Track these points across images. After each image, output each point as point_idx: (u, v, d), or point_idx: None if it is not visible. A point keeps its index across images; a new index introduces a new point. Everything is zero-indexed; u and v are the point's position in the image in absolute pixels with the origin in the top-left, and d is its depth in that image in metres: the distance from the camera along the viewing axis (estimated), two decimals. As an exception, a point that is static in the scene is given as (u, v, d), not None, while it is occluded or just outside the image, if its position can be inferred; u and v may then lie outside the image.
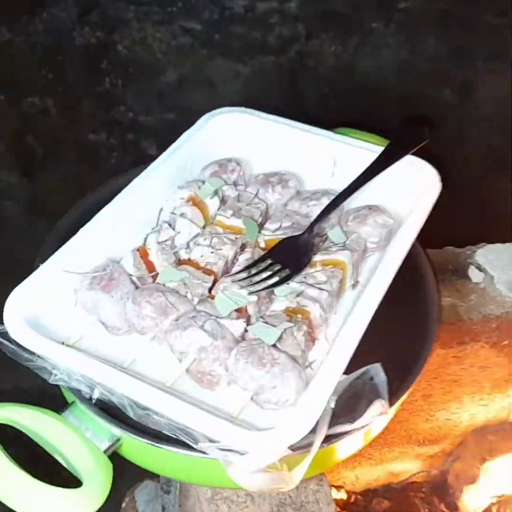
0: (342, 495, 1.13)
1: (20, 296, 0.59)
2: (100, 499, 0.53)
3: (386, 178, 0.73)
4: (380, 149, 0.75)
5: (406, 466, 1.12)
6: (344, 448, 0.60)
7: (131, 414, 0.52)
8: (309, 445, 0.52)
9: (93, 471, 0.54)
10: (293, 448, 0.51)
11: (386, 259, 0.64)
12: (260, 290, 0.63)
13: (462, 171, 1.04)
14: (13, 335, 0.56)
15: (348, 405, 0.58)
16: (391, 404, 0.58)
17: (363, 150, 0.76)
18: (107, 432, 0.58)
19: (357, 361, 0.58)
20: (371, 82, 1.02)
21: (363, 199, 0.74)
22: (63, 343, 0.60)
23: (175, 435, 0.51)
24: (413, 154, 0.74)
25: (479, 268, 0.86)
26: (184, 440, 0.50)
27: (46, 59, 0.97)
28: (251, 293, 0.62)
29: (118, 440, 0.58)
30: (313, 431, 0.53)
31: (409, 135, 0.76)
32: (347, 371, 0.58)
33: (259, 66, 1.00)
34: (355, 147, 0.76)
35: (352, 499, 1.15)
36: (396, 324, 0.65)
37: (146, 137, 1.06)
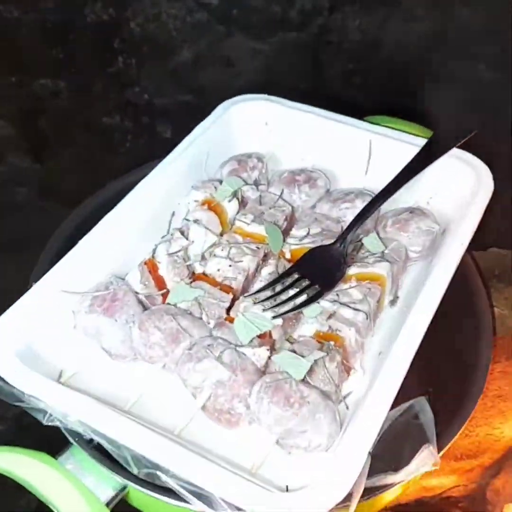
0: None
1: (9, 324, 0.51)
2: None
3: (430, 176, 0.64)
4: (422, 141, 0.66)
5: (440, 480, 1.03)
6: (384, 499, 0.52)
7: (134, 470, 0.44)
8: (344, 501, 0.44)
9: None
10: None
11: (434, 273, 0.55)
12: (286, 312, 0.54)
13: (503, 161, 0.94)
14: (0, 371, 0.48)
15: (389, 449, 0.49)
16: (440, 448, 0.50)
17: (403, 143, 0.66)
18: (110, 479, 0.50)
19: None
20: (399, 58, 0.92)
21: (403, 200, 0.65)
22: (60, 373, 0.53)
23: (187, 497, 0.43)
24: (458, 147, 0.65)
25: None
26: (199, 505, 0.42)
27: (57, 38, 0.92)
28: (276, 316, 0.53)
29: (124, 488, 0.50)
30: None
31: (453, 124, 0.67)
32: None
33: (279, 43, 0.93)
34: (394, 139, 0.67)
35: (383, 513, 1.07)
36: (441, 347, 0.57)
37: (161, 119, 0.99)
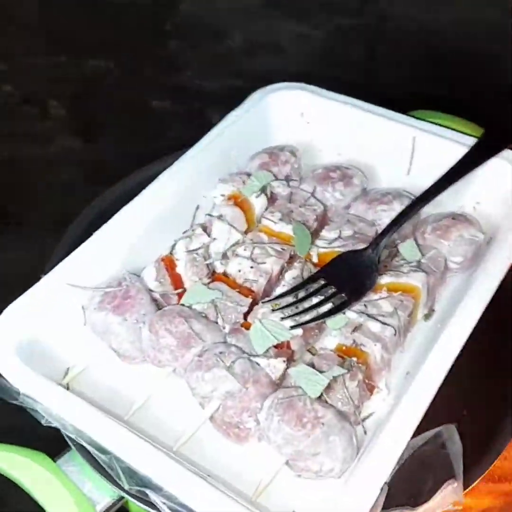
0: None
1: (13, 318, 0.49)
2: None
3: (478, 179, 0.59)
4: (471, 140, 0.60)
5: (476, 501, 0.97)
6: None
7: (125, 485, 0.41)
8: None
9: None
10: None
11: (476, 286, 0.50)
12: (308, 322, 0.50)
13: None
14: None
15: (409, 480, 0.45)
16: (466, 484, 0.45)
17: (450, 141, 0.61)
18: (109, 487, 0.47)
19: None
20: (459, 48, 0.86)
21: (447, 204, 0.59)
22: (67, 371, 0.50)
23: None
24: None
25: None
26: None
27: (109, 19, 0.92)
28: (295, 326, 0.49)
29: (122, 498, 0.48)
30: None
31: (508, 123, 0.61)
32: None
33: (333, 29, 0.88)
34: (440, 137, 0.61)
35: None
36: (478, 368, 0.52)
37: (212, 104, 0.96)
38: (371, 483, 0.41)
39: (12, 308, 0.49)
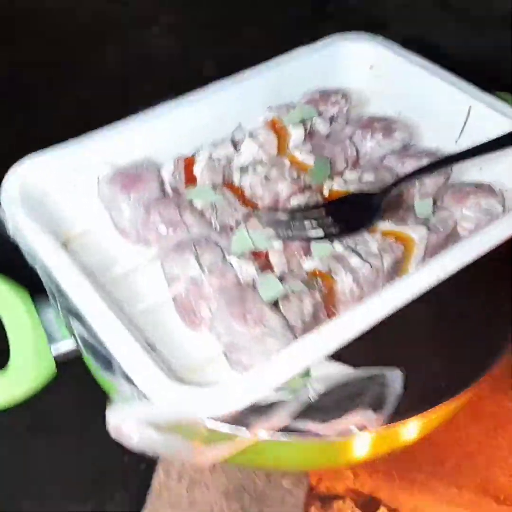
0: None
1: (31, 164, 0.54)
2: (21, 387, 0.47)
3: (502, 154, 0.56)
4: (524, 119, 0.58)
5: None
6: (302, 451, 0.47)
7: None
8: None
9: (27, 359, 0.48)
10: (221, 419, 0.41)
11: (458, 247, 0.48)
12: (288, 237, 0.51)
13: None
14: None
15: (332, 403, 0.45)
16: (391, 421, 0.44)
17: (507, 117, 0.58)
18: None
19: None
20: None
21: (478, 175, 0.57)
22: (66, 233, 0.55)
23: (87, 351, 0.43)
24: None
25: None
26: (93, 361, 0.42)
27: None
28: (277, 236, 0.50)
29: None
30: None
31: None
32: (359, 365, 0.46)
33: None
34: (497, 111, 0.59)
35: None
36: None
37: None
38: (282, 367, 0.41)
39: (34, 155, 0.54)
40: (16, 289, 0.52)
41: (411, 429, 0.50)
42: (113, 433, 0.36)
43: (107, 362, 0.42)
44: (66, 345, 0.51)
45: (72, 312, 0.46)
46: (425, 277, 0.46)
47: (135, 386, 0.39)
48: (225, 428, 0.42)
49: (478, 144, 0.56)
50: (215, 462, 0.39)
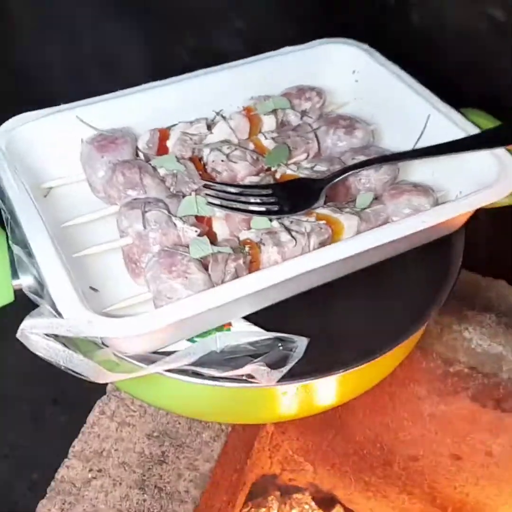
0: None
1: (20, 122, 0.62)
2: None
3: (464, 169, 0.61)
4: (475, 130, 0.62)
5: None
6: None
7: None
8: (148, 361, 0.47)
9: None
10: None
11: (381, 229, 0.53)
12: (232, 208, 0.57)
13: None
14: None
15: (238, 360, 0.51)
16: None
17: (459, 128, 0.63)
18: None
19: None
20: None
21: (435, 185, 0.62)
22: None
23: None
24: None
25: None
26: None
27: None
28: (210, 203, 0.56)
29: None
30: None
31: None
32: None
33: None
34: (452, 122, 0.63)
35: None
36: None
37: None
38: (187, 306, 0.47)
39: (25, 114, 0.62)
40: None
41: (314, 392, 0.55)
42: (19, 335, 0.43)
43: (41, 285, 0.49)
44: (26, 281, 0.58)
45: (27, 249, 0.53)
46: (334, 253, 0.51)
47: (56, 307, 0.46)
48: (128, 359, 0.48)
49: (424, 147, 0.61)
50: (110, 381, 0.45)
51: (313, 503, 0.97)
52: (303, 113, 0.68)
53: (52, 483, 0.55)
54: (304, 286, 0.55)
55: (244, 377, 0.49)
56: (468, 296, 0.68)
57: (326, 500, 0.99)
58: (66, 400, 0.68)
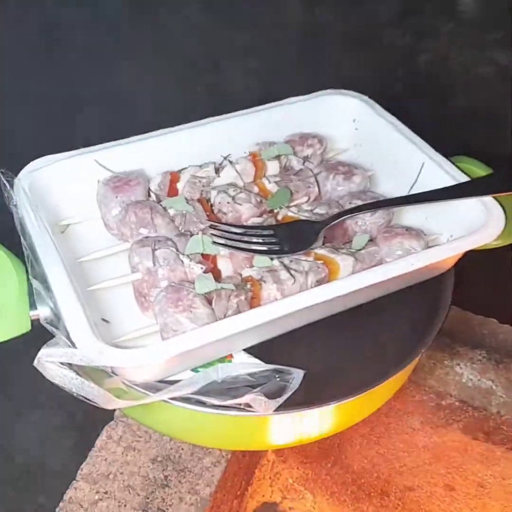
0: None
1: (47, 161, 0.67)
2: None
3: (454, 214, 0.65)
4: (465, 179, 0.66)
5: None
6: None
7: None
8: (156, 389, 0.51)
9: (7, 313, 0.58)
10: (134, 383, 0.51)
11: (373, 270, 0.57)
12: (235, 248, 0.61)
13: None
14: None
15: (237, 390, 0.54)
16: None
17: (450, 176, 0.67)
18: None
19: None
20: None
21: (428, 229, 0.67)
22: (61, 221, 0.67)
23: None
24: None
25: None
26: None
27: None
28: (216, 243, 0.61)
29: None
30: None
31: (507, 175, 0.65)
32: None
33: None
34: (444, 171, 0.68)
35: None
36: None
37: None
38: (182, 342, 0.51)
39: (46, 157, 0.67)
40: (14, 260, 0.63)
41: (310, 421, 0.59)
42: (36, 364, 0.47)
43: (58, 319, 0.53)
44: (43, 312, 0.62)
45: (45, 284, 0.57)
46: (330, 291, 0.55)
47: (70, 338, 0.50)
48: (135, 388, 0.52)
49: (416, 193, 0.65)
50: (118, 408, 0.49)
51: (312, 533, 0.99)
52: (305, 158, 0.73)
53: (61, 504, 0.58)
54: (301, 321, 0.59)
55: (243, 406, 0.52)
56: (460, 333, 0.72)
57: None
58: (74, 425, 0.71)
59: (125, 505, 0.57)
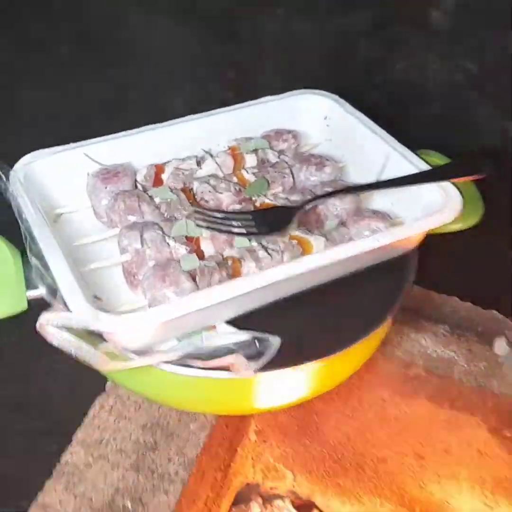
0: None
1: (40, 154, 0.72)
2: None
3: (416, 199, 0.71)
4: (426, 167, 0.72)
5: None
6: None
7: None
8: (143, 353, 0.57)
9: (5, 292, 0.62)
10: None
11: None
12: (217, 230, 0.66)
13: None
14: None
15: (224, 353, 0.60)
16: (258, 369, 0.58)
17: (413, 166, 0.73)
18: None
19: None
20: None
21: (394, 213, 0.73)
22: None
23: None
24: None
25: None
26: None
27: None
28: (199, 225, 0.66)
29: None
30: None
31: (463, 163, 0.72)
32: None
33: None
34: (408, 161, 0.74)
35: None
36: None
37: None
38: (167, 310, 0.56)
39: (40, 151, 0.72)
40: (10, 247, 0.68)
41: (290, 382, 0.64)
42: (38, 327, 0.52)
43: (54, 291, 0.58)
44: (39, 292, 0.67)
45: (43, 262, 0.62)
46: (302, 264, 0.61)
47: (66, 304, 0.55)
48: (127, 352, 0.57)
49: (382, 180, 0.71)
50: (110, 370, 0.54)
51: (293, 510, 1.04)
52: (281, 152, 0.79)
53: (57, 466, 0.63)
54: (277, 294, 0.64)
55: (226, 368, 0.58)
56: (424, 309, 0.78)
57: (305, 506, 1.06)
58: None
59: (117, 467, 0.62)
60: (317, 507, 1.05)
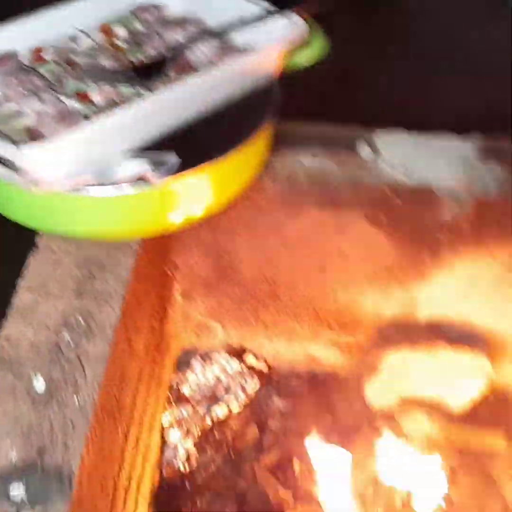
0: (263, 368, 1.21)
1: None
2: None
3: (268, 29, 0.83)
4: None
5: (325, 353, 1.16)
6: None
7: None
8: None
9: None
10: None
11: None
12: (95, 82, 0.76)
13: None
14: None
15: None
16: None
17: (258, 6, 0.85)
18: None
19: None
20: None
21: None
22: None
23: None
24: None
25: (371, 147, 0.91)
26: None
27: None
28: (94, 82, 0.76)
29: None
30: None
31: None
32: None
33: None
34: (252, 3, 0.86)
35: (275, 377, 1.22)
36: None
37: None
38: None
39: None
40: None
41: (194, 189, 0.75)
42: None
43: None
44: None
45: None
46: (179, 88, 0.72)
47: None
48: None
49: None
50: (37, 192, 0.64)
51: (228, 357, 1.18)
52: (147, 22, 0.89)
53: (11, 309, 0.72)
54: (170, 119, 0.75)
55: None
56: (298, 136, 0.91)
57: (238, 352, 1.20)
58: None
59: (61, 296, 0.72)
60: (249, 351, 1.19)
